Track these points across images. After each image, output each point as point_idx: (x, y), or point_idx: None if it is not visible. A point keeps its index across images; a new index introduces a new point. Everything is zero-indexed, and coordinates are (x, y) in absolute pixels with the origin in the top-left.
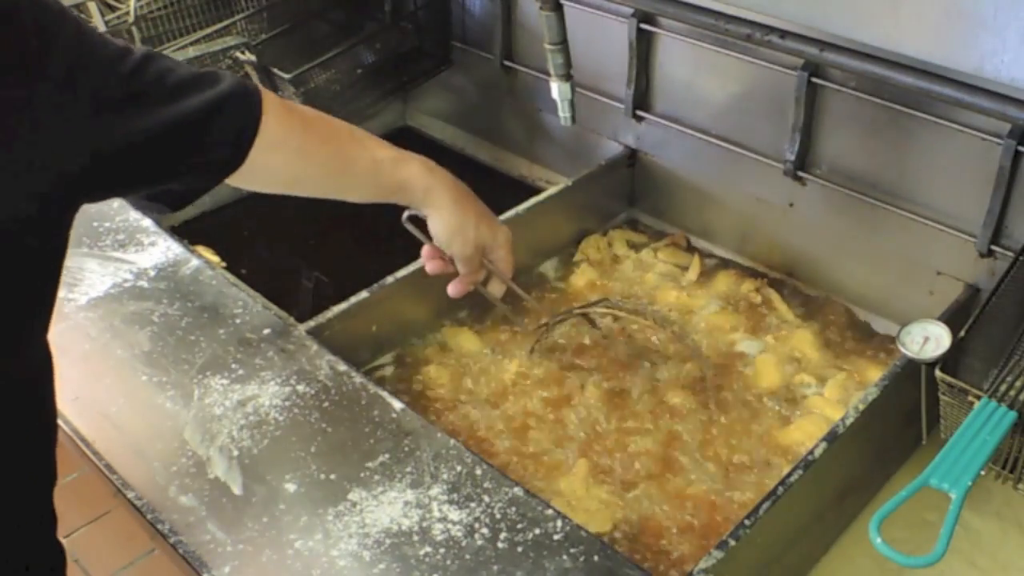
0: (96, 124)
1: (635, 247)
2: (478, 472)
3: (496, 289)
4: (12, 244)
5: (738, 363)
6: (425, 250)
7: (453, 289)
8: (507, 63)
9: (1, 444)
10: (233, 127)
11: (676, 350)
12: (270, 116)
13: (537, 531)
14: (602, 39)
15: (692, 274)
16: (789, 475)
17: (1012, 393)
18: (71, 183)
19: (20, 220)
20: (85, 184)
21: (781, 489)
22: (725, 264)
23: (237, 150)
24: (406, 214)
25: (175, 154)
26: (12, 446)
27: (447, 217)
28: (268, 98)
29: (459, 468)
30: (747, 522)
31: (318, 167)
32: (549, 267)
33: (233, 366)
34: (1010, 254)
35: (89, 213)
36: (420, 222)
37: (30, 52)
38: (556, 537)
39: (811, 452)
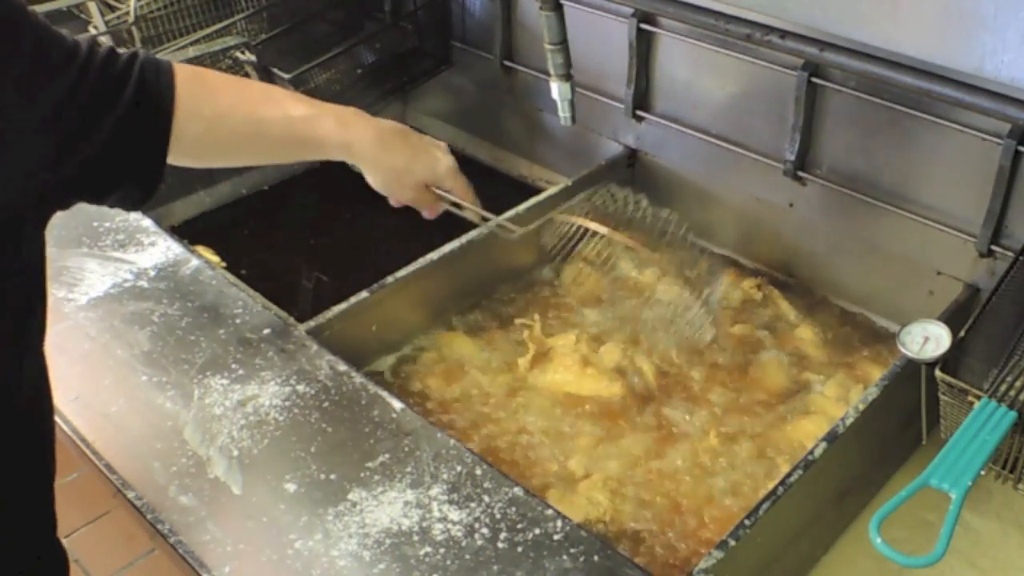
0: (56, 130)
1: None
2: (478, 472)
3: (470, 213)
4: None
5: (738, 362)
6: None
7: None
8: (507, 63)
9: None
10: (155, 107)
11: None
12: (182, 88)
13: (537, 531)
14: (602, 39)
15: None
16: (789, 475)
17: (1012, 393)
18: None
19: None
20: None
21: (781, 489)
22: (725, 264)
23: (160, 126)
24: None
25: (122, 150)
26: (10, 453)
27: (371, 170)
28: (178, 69)
29: (459, 468)
30: (747, 522)
31: (233, 134)
32: (548, 268)
33: (233, 366)
34: (1010, 254)
35: (89, 213)
36: None
37: None
38: (556, 537)
39: (811, 452)
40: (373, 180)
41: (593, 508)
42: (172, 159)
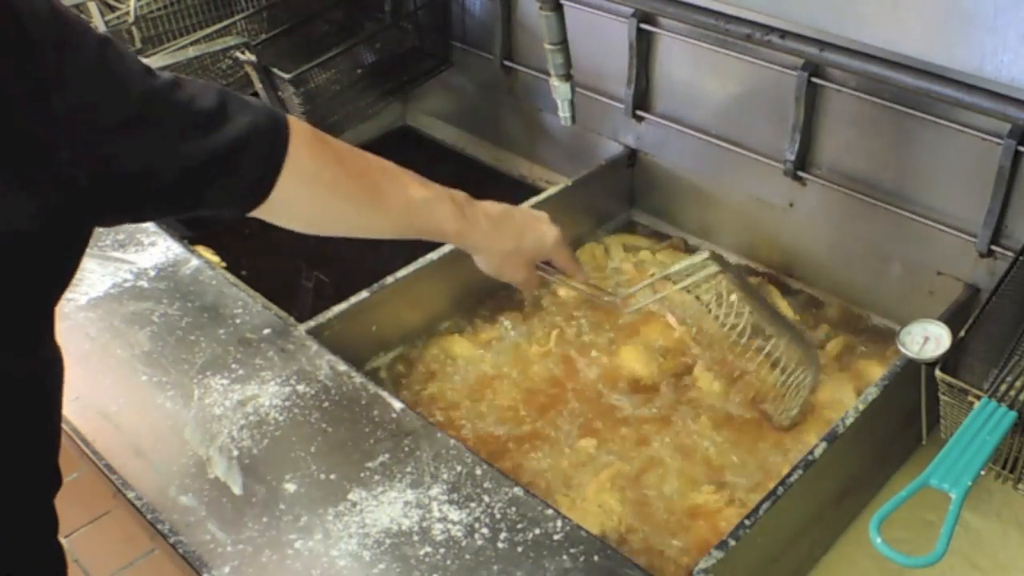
0: (107, 143)
1: (633, 250)
2: (478, 472)
3: (579, 282)
4: (13, 259)
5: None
6: None
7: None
8: (507, 63)
9: (7, 447)
10: (258, 161)
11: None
12: (303, 148)
13: (537, 531)
14: (602, 39)
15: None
16: (789, 475)
17: (1012, 393)
18: (75, 201)
19: (21, 235)
20: (91, 203)
21: (781, 489)
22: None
23: (260, 185)
24: None
25: (191, 186)
26: (18, 450)
27: (484, 257)
28: (298, 129)
29: (459, 468)
30: (747, 522)
31: (350, 203)
32: None
33: (233, 366)
34: (1010, 254)
35: None
36: None
37: (47, 67)
38: (556, 537)
39: (811, 452)
40: (485, 265)
41: (607, 517)
42: (259, 215)
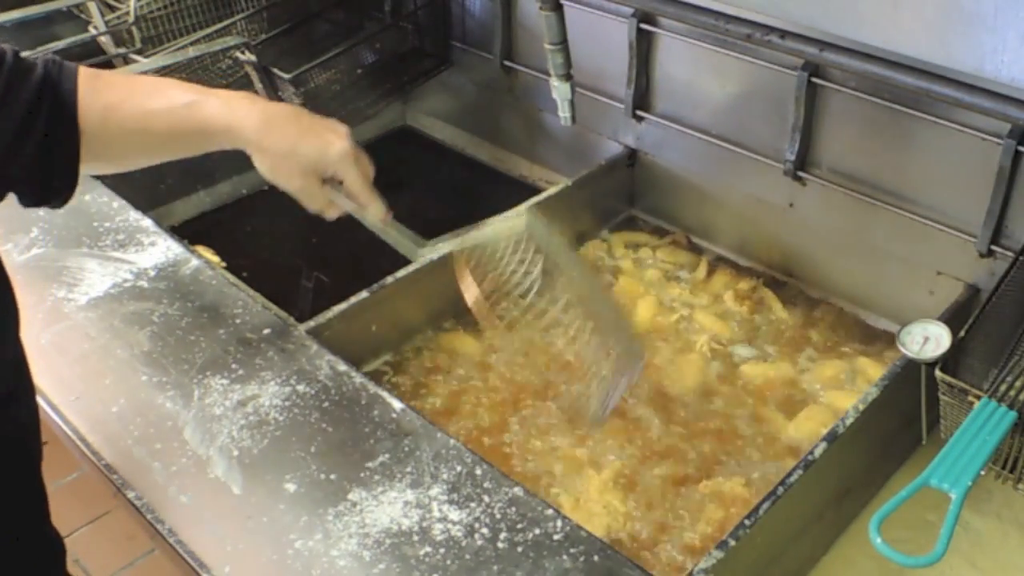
0: None
1: (634, 247)
2: (478, 472)
3: (372, 215)
4: None
5: (737, 362)
6: None
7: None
8: (507, 63)
9: None
10: (60, 109)
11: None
12: (82, 84)
13: (537, 531)
14: (602, 39)
15: (700, 273)
16: (789, 475)
17: (1012, 393)
18: None
19: None
20: None
21: (781, 489)
22: (725, 264)
23: (71, 126)
24: None
25: (35, 145)
26: None
27: (257, 154)
28: (80, 69)
29: (459, 468)
30: (747, 522)
31: (122, 128)
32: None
33: (233, 366)
34: (1010, 254)
35: (89, 213)
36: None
37: None
38: (556, 537)
39: (811, 452)
40: (260, 166)
41: (612, 519)
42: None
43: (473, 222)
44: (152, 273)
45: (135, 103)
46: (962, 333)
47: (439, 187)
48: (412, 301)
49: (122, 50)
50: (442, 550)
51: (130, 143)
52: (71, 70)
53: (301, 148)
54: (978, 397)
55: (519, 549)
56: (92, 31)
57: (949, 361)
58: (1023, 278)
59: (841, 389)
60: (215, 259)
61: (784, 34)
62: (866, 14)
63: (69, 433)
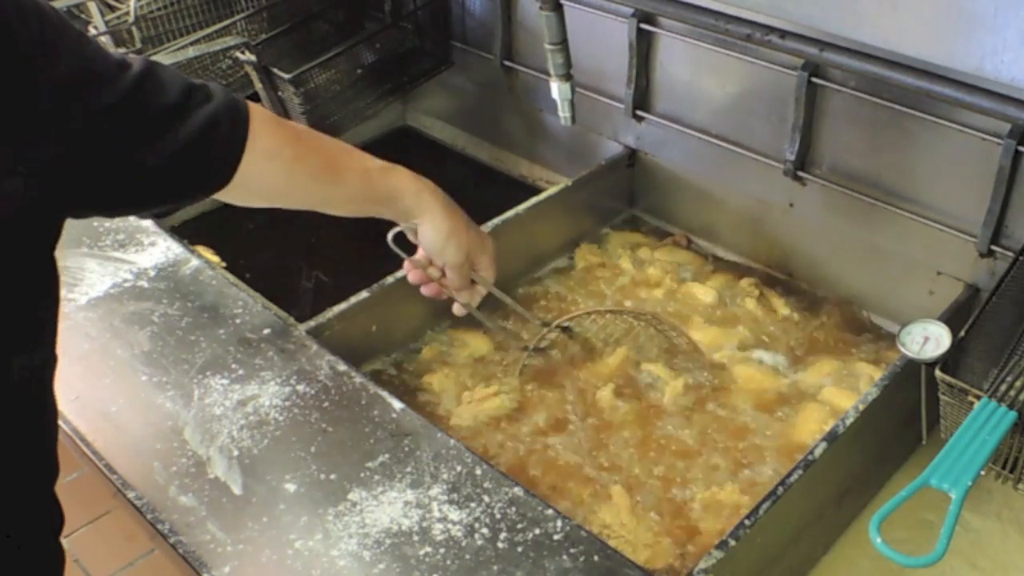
0: (85, 138)
1: (634, 247)
2: (478, 472)
3: (475, 298)
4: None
5: (737, 363)
6: (407, 264)
7: (458, 308)
8: (507, 63)
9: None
10: (223, 143)
11: (666, 348)
12: (261, 127)
13: (537, 531)
14: (602, 39)
15: (700, 272)
16: (789, 475)
17: (1012, 393)
18: (50, 191)
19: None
20: (65, 194)
21: (781, 489)
22: (725, 264)
23: (225, 164)
24: (392, 232)
25: (163, 179)
26: (15, 444)
27: (439, 222)
28: (256, 110)
29: (459, 468)
30: (747, 522)
31: (310, 176)
32: (547, 270)
33: (233, 366)
34: (1010, 254)
35: None
36: (405, 242)
37: (30, 62)
38: (556, 537)
39: (811, 452)
40: (433, 232)
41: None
42: (223, 197)
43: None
44: (152, 273)
45: (328, 156)
46: (962, 333)
47: (439, 187)
48: (412, 301)
49: (122, 50)
50: (442, 550)
51: (312, 191)
52: (243, 116)
53: (471, 234)
54: (978, 397)
55: (519, 549)
56: (92, 31)
57: (949, 361)
58: (1023, 278)
59: (841, 389)
60: (215, 259)
61: (784, 34)
62: (866, 14)
63: (69, 433)
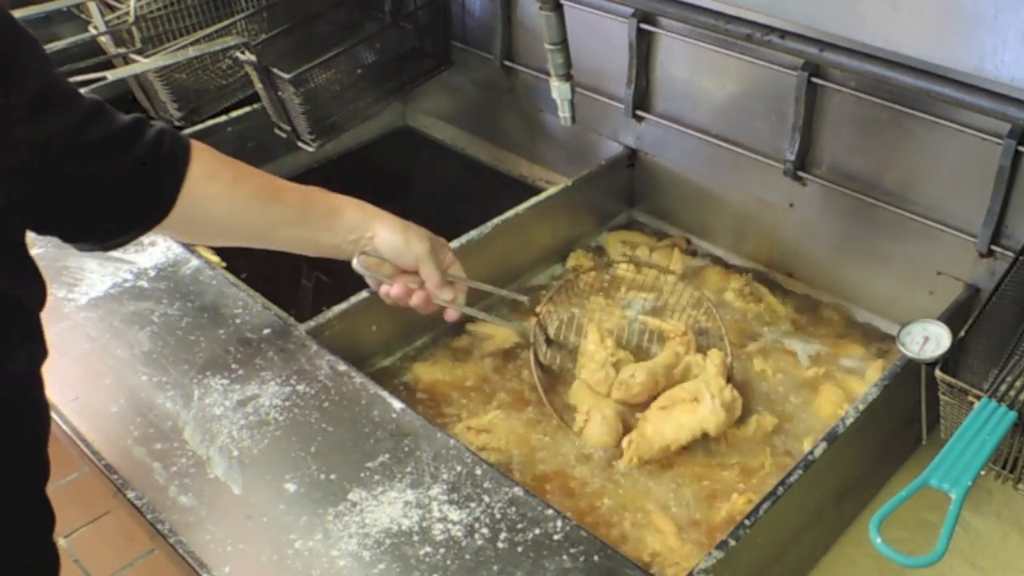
0: (43, 153)
1: (631, 247)
2: (478, 472)
3: (459, 296)
4: None
5: (737, 364)
6: (383, 288)
7: (450, 314)
8: (507, 63)
9: None
10: (167, 162)
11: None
12: (201, 152)
13: (537, 531)
14: (602, 39)
15: (676, 267)
16: (789, 475)
17: (1012, 393)
18: (13, 202)
19: None
20: (15, 217)
21: (781, 489)
22: (725, 264)
23: (170, 183)
24: (356, 257)
25: (112, 198)
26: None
27: (391, 222)
28: (195, 142)
29: (459, 468)
30: (747, 522)
31: (252, 194)
32: (547, 270)
33: (233, 366)
34: (1010, 254)
35: None
36: (372, 261)
37: (3, 75)
38: (556, 537)
39: (811, 452)
40: (390, 232)
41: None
42: (166, 230)
43: (473, 222)
44: (152, 273)
45: (267, 178)
46: (962, 333)
47: (439, 187)
48: None
49: (122, 50)
50: (442, 550)
51: (256, 214)
52: (184, 143)
53: (421, 229)
54: (978, 397)
55: (519, 549)
56: (92, 31)
57: (949, 361)
58: (1023, 278)
59: (840, 388)
60: (215, 259)
61: (784, 34)
62: (866, 14)
63: (69, 433)
